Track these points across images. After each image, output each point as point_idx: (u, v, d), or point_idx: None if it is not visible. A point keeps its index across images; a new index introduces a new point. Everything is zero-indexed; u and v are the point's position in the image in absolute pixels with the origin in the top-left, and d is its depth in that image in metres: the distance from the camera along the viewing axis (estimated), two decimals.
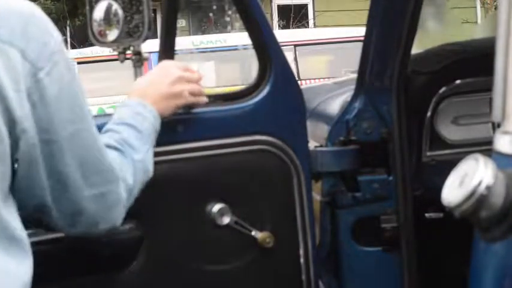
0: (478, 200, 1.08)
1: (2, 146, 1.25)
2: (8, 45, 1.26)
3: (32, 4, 1.33)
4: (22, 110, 1.27)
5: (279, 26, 14.21)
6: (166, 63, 1.91)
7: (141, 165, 1.62)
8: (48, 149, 1.32)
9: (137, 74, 2.04)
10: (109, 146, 1.58)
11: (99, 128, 1.56)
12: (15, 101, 1.25)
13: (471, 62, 2.41)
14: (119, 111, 1.71)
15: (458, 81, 2.41)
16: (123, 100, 1.78)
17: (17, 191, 1.32)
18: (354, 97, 2.26)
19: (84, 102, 1.38)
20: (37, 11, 1.32)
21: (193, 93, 1.87)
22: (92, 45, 2.00)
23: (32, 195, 1.35)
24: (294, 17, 13.97)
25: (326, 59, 9.61)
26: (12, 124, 1.26)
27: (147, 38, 1.93)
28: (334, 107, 2.39)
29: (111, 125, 1.66)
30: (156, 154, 1.81)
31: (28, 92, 1.27)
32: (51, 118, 1.31)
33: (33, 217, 1.41)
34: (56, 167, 1.35)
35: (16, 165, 1.30)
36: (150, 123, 1.71)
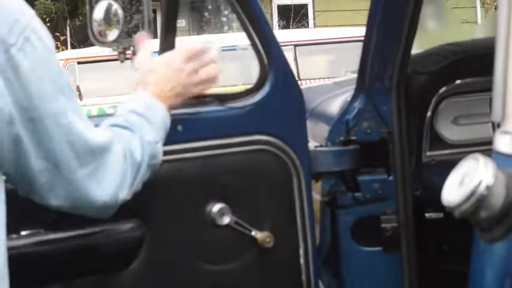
0: (478, 200, 1.08)
1: None
2: None
3: None
4: None
5: (279, 26, 14.21)
6: (171, 55, 1.86)
7: (151, 147, 1.61)
8: (33, 128, 1.31)
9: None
10: (116, 125, 1.58)
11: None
12: None
13: (471, 62, 2.41)
14: (129, 103, 1.70)
15: (458, 81, 2.41)
16: (134, 93, 1.75)
17: (7, 170, 1.32)
18: (354, 97, 2.26)
19: (63, 80, 1.36)
20: None
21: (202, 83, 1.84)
22: (92, 45, 2.00)
23: (23, 175, 1.35)
24: (294, 17, 13.97)
25: (326, 59, 9.60)
26: None
27: None
28: (334, 107, 2.39)
29: (122, 111, 1.66)
30: None
31: (2, 70, 1.27)
32: (29, 94, 1.30)
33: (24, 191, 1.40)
34: (46, 146, 1.33)
35: None
36: (161, 119, 1.70)
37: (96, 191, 1.43)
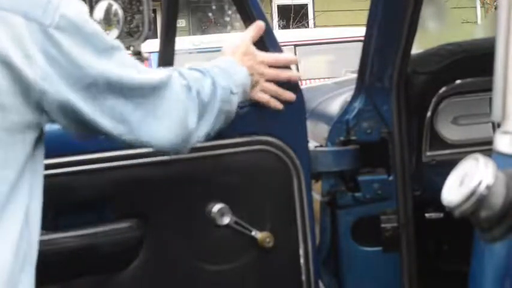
0: (478, 200, 1.07)
1: (10, 116, 1.29)
2: (9, 12, 1.29)
3: None
4: (35, 72, 1.30)
5: (279, 26, 14.21)
6: (261, 52, 1.93)
7: (223, 92, 1.68)
8: (90, 94, 1.38)
9: None
10: (191, 68, 1.66)
11: None
12: (25, 66, 1.29)
13: (471, 62, 2.41)
14: (215, 60, 1.78)
15: (458, 81, 2.41)
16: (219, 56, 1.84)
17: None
18: (354, 97, 2.26)
19: (103, 39, 1.40)
20: None
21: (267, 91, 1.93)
22: None
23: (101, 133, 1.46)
24: (294, 17, 13.98)
25: (326, 59, 9.60)
26: (27, 89, 1.30)
27: (147, 38, 1.93)
28: (334, 107, 2.39)
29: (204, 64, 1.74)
30: (156, 154, 1.82)
31: (43, 50, 1.31)
32: (78, 64, 1.35)
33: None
34: (106, 106, 1.40)
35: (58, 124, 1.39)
36: (240, 78, 1.77)
37: (160, 127, 1.50)
